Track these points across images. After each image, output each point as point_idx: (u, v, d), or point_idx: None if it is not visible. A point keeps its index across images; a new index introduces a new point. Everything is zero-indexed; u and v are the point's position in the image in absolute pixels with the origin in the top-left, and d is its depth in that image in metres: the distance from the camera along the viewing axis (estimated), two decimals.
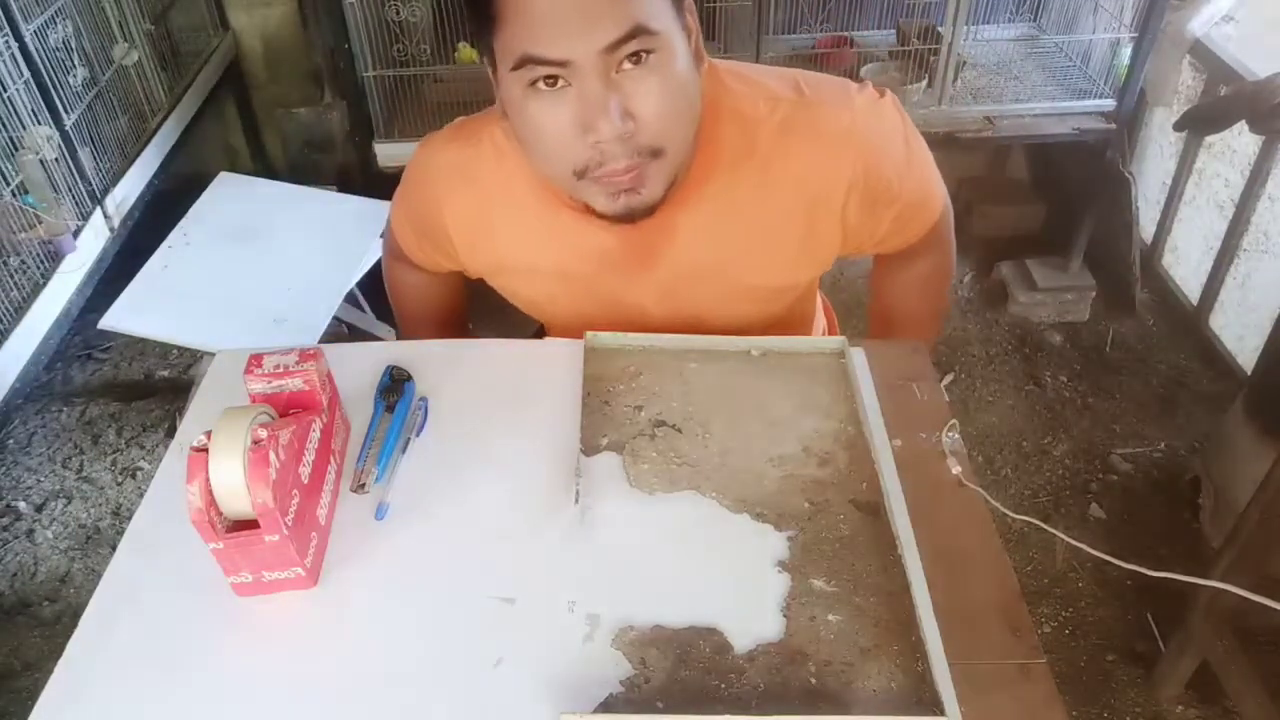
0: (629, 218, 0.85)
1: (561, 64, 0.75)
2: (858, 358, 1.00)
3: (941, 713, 0.69)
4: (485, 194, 0.96)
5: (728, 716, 0.67)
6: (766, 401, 0.96)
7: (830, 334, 1.28)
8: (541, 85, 0.77)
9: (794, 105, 0.90)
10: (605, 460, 0.89)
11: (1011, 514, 0.97)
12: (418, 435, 0.93)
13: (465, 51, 2.29)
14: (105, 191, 1.92)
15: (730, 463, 0.89)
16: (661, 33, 0.77)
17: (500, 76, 0.81)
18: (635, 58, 0.76)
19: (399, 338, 1.33)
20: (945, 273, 1.14)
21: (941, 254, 1.10)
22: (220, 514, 0.72)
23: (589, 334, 1.00)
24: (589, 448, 0.90)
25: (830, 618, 0.76)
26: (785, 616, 0.76)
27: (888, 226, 0.99)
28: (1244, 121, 2.00)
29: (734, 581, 0.79)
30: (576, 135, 0.78)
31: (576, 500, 0.84)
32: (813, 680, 0.72)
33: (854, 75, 2.32)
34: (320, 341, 1.78)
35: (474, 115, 0.99)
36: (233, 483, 0.71)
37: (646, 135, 0.79)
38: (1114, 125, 2.30)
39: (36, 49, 1.74)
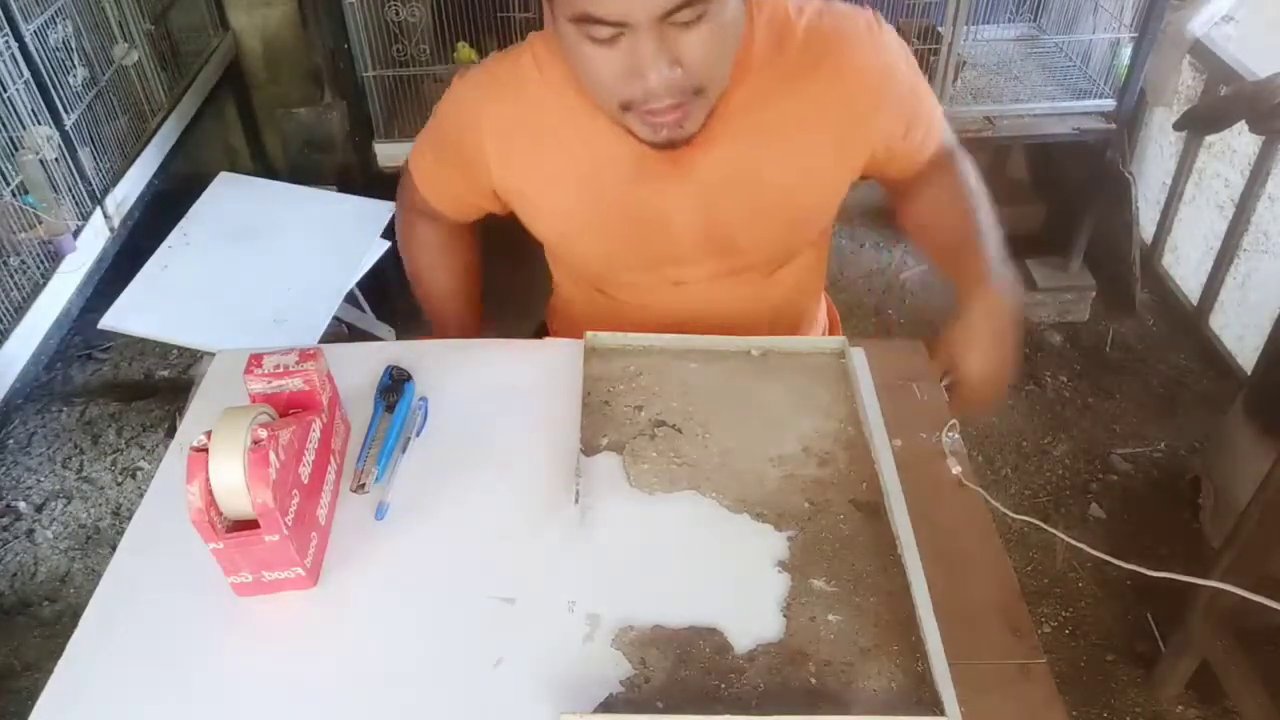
0: (670, 147, 0.90)
1: (619, 25, 0.79)
2: (858, 358, 1.01)
3: (941, 713, 0.69)
4: (525, 103, 0.98)
5: (728, 716, 0.67)
6: (766, 401, 0.96)
7: (831, 334, 1.28)
8: (597, 36, 0.81)
9: (818, 11, 0.96)
10: (605, 460, 0.89)
11: (1011, 514, 0.97)
12: (418, 435, 0.93)
13: (464, 51, 2.29)
14: (105, 191, 1.91)
15: (730, 463, 0.89)
16: None
17: (556, 16, 0.84)
18: (689, 10, 0.79)
19: (399, 337, 1.33)
20: (969, 185, 1.07)
21: (957, 172, 1.07)
22: (220, 514, 0.72)
23: (589, 334, 1.00)
24: (589, 448, 0.90)
25: (830, 618, 0.76)
26: (785, 616, 0.76)
27: (904, 137, 1.02)
28: (1244, 121, 1.99)
29: (734, 581, 0.79)
30: (625, 79, 0.83)
31: (576, 500, 0.84)
32: (813, 680, 0.72)
33: None
34: (320, 341, 1.78)
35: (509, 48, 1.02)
36: (233, 483, 0.71)
37: (692, 79, 0.83)
38: (1114, 125, 2.30)
39: (36, 49, 1.74)
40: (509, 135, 0.99)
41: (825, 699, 0.71)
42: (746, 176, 0.97)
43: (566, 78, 0.93)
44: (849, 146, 0.99)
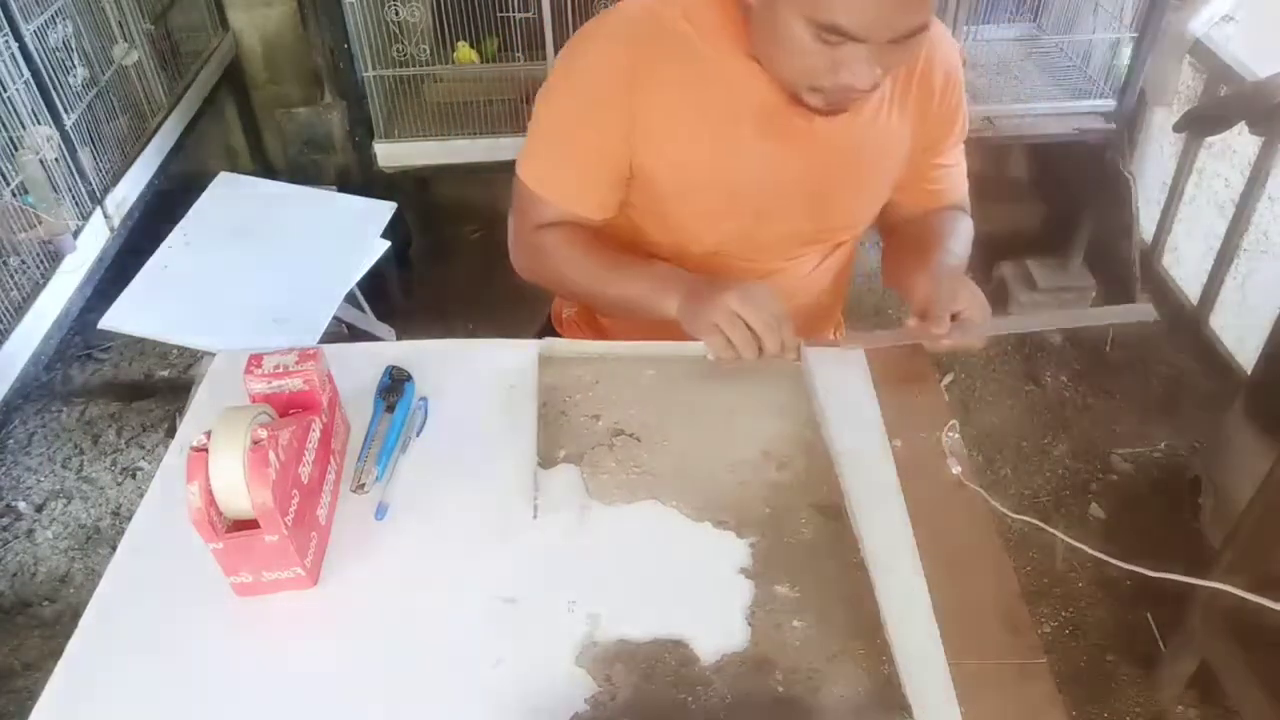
0: (831, 113, 0.95)
1: (858, 40, 0.84)
2: (812, 356, 1.00)
3: (910, 715, 0.68)
4: (676, 52, 0.97)
5: None
6: (724, 406, 0.95)
7: (837, 333, 1.28)
8: (828, 40, 0.85)
9: None
10: (565, 472, 0.88)
11: (1011, 514, 0.97)
12: (418, 435, 0.92)
13: (464, 51, 2.29)
14: (105, 191, 1.91)
15: (690, 470, 0.88)
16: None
17: (779, 9, 0.87)
18: (915, 35, 0.87)
19: (399, 337, 1.32)
20: (961, 224, 1.20)
21: (960, 215, 1.19)
22: (220, 514, 0.72)
23: (544, 342, 1.00)
24: (546, 460, 0.89)
25: (795, 623, 0.75)
26: (750, 625, 0.75)
27: (939, 149, 1.10)
28: (1244, 122, 1.99)
29: (698, 591, 0.78)
30: (832, 73, 0.88)
31: (535, 515, 0.84)
32: (780, 689, 0.71)
33: None
34: (320, 341, 1.78)
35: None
36: (233, 483, 0.70)
37: (882, 80, 0.90)
38: (1114, 125, 2.30)
39: (36, 49, 1.73)
40: (658, 83, 0.97)
41: (793, 707, 0.70)
42: (853, 146, 1.03)
43: (721, 30, 0.96)
44: (920, 133, 1.06)
